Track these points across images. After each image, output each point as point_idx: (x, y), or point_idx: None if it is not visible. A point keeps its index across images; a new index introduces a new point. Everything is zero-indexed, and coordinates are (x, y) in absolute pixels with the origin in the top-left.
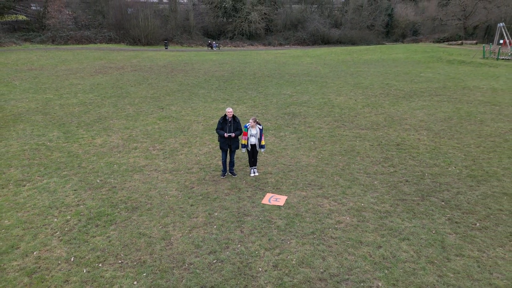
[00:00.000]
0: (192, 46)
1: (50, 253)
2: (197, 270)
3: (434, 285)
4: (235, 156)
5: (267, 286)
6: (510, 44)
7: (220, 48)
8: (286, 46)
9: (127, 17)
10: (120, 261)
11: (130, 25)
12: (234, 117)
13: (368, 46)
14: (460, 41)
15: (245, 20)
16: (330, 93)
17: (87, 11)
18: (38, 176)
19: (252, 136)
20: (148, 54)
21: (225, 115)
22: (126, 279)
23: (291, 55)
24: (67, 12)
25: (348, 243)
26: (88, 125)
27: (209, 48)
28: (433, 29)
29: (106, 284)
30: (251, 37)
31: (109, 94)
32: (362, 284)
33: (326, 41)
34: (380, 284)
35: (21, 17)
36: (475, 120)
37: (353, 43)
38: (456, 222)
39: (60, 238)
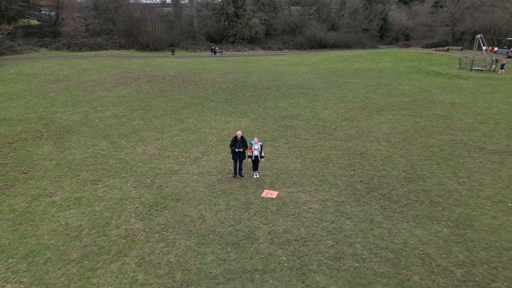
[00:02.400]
0: (196, 51)
1: (132, 226)
2: (223, 235)
3: (360, 242)
4: (243, 163)
5: (264, 243)
6: (486, 51)
7: (222, 53)
8: (284, 51)
9: (136, 24)
10: (176, 231)
11: (138, 31)
12: (242, 137)
13: (360, 52)
14: (447, 47)
15: (246, 25)
16: (318, 106)
17: (98, 18)
18: (105, 178)
19: (255, 150)
20: (158, 62)
21: (236, 136)
22: (182, 240)
23: (288, 62)
24: (80, 19)
25: (314, 220)
26: (126, 136)
27: (213, 53)
28: (423, 34)
29: (171, 242)
30: (252, 41)
31: (135, 107)
32: (319, 242)
33: (322, 45)
34: (329, 242)
35: (33, 21)
36: (425, 133)
37: (348, 46)
38: (384, 208)
39: (136, 217)
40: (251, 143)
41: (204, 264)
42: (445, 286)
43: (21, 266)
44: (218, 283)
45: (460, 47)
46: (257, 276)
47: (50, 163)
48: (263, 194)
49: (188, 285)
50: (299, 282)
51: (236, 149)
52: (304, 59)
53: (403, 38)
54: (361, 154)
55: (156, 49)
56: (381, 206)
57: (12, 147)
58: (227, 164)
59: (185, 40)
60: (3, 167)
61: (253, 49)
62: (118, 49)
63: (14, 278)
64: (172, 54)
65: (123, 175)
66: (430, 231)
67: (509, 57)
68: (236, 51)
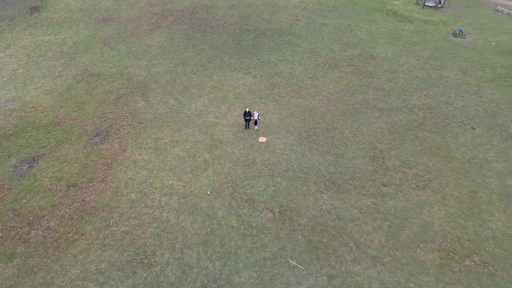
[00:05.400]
0: None
1: (205, 156)
2: (242, 161)
3: (296, 164)
4: (250, 122)
5: (258, 165)
6: None
7: None
8: None
9: None
10: (223, 159)
11: None
12: (249, 111)
13: None
14: None
15: None
16: (295, 61)
17: None
18: (183, 128)
19: (256, 116)
20: None
21: (245, 111)
22: (226, 163)
23: None
24: None
25: (279, 153)
26: (181, 93)
27: None
28: None
29: (223, 164)
30: None
31: (176, 61)
32: (280, 164)
33: None
34: (284, 164)
35: None
36: (351, 92)
37: None
38: (311, 148)
39: (205, 152)
40: (253, 113)
41: (236, 173)
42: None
43: (168, 173)
44: (244, 179)
45: None
46: (256, 177)
47: (150, 116)
48: (259, 140)
49: (233, 180)
50: (271, 181)
51: (245, 117)
52: None
53: None
54: (311, 111)
55: None
56: (310, 147)
57: (121, 102)
58: (241, 119)
59: None
60: (126, 119)
61: None
62: None
63: (166, 178)
64: None
65: (191, 125)
66: (325, 158)
67: None
68: None
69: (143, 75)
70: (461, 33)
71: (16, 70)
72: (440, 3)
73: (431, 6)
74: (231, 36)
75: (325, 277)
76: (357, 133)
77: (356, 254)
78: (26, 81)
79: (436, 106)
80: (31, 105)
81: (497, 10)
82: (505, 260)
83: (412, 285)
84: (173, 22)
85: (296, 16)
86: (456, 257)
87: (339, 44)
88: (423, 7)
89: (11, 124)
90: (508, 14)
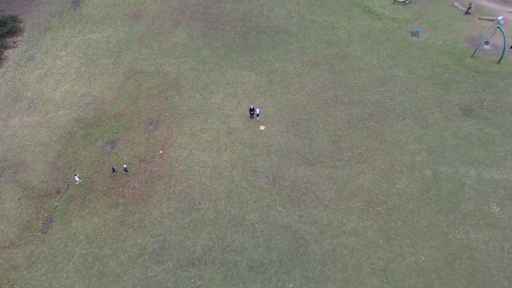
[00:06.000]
0: None
1: (225, 140)
2: (250, 144)
3: (283, 146)
4: (254, 114)
5: (260, 147)
6: None
7: None
8: None
9: None
10: (238, 143)
11: None
12: (253, 108)
13: None
14: None
15: None
16: (288, 60)
17: None
18: (208, 118)
19: (258, 111)
20: None
21: (250, 107)
22: (239, 146)
23: None
24: None
25: (272, 137)
26: (204, 90)
27: None
28: None
29: (238, 147)
30: None
31: (197, 59)
32: (272, 146)
33: None
34: (276, 145)
35: None
36: (326, 88)
37: None
38: (294, 134)
39: (225, 137)
40: (256, 109)
41: (245, 152)
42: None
43: (202, 152)
44: (250, 156)
45: None
46: (258, 155)
47: (184, 108)
48: (260, 128)
49: (243, 157)
50: (267, 158)
51: (250, 112)
52: None
53: None
54: (296, 105)
55: None
56: (294, 134)
57: (162, 96)
58: (247, 112)
59: None
60: (168, 110)
61: None
62: None
63: (201, 156)
64: None
65: (213, 116)
66: (303, 142)
67: None
68: None
69: (174, 72)
70: (417, 33)
71: (79, 68)
72: (408, 0)
73: (401, 2)
74: (238, 34)
75: (297, 216)
76: (326, 122)
77: (316, 203)
78: (90, 78)
79: (383, 101)
80: (99, 99)
81: (453, 6)
82: (400, 206)
83: (345, 220)
84: (191, 18)
85: (290, 12)
86: (372, 205)
87: (322, 43)
88: (394, 3)
89: (90, 115)
90: (462, 10)
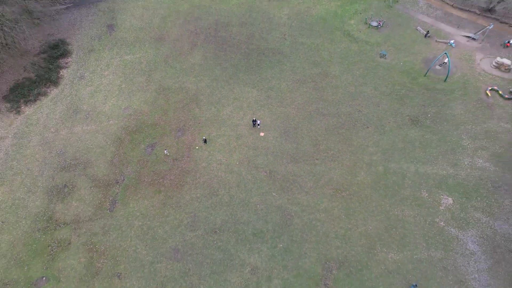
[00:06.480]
0: None
1: (235, 143)
2: (254, 146)
3: (273, 149)
4: (256, 124)
5: (260, 149)
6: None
7: None
8: None
9: None
10: (244, 145)
11: None
12: (256, 119)
13: None
14: None
15: None
16: (282, 78)
17: None
18: (221, 127)
19: (259, 122)
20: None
21: (253, 119)
22: (246, 149)
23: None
24: None
25: (270, 142)
26: (217, 103)
27: None
28: None
29: (247, 150)
30: None
31: (211, 77)
32: (269, 148)
33: None
34: (271, 147)
35: None
36: (310, 102)
37: None
38: (285, 138)
39: (234, 140)
40: (257, 121)
41: (249, 153)
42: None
43: (218, 153)
44: (253, 156)
45: None
46: (259, 155)
47: (203, 119)
48: (260, 134)
49: (248, 157)
50: (265, 157)
51: (253, 122)
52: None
53: None
54: (287, 116)
55: None
56: (285, 139)
57: (186, 109)
58: (250, 121)
59: None
60: (191, 120)
61: None
62: None
63: (217, 156)
64: None
65: (225, 125)
66: (292, 145)
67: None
68: None
69: (194, 89)
70: (384, 55)
71: (120, 85)
72: (380, 24)
73: (374, 26)
74: (242, 55)
75: (286, 199)
76: (309, 130)
77: (299, 190)
78: (130, 94)
79: (353, 113)
80: (138, 111)
81: (417, 30)
82: (358, 193)
83: (319, 202)
84: (204, 40)
85: (284, 35)
86: (339, 191)
87: (308, 63)
88: (369, 27)
89: (133, 124)
90: (422, 33)
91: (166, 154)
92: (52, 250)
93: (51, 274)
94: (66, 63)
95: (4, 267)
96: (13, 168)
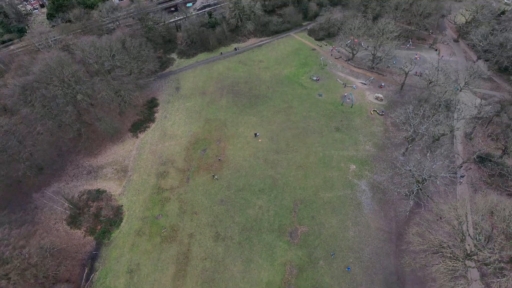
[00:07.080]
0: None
1: (248, 148)
2: (255, 146)
3: (265, 150)
4: (256, 135)
5: (260, 149)
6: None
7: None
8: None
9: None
10: (251, 147)
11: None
12: (256, 133)
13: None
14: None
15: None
16: (268, 110)
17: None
18: (240, 138)
19: (257, 134)
20: (220, 69)
21: (255, 133)
22: (249, 152)
23: (265, 66)
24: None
25: (265, 145)
26: (237, 125)
27: (235, 49)
28: None
29: (255, 157)
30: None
31: (231, 112)
32: (263, 150)
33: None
34: (265, 148)
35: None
36: (284, 122)
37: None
38: (273, 141)
39: (249, 147)
40: (257, 133)
41: (255, 151)
42: None
43: (239, 153)
44: (256, 153)
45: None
46: (259, 151)
47: (229, 134)
48: (259, 140)
49: (254, 153)
50: (263, 153)
51: (255, 134)
52: (281, 60)
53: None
54: (272, 130)
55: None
56: (271, 142)
57: (220, 129)
58: (253, 133)
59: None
60: (223, 135)
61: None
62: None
63: (240, 156)
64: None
65: (241, 137)
66: (276, 145)
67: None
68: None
69: (223, 119)
70: (320, 95)
71: (185, 119)
72: (318, 79)
73: (315, 80)
74: (247, 100)
75: (273, 172)
76: (283, 137)
77: (280, 168)
78: (190, 124)
79: (306, 126)
80: (196, 132)
81: (337, 81)
82: (310, 167)
83: (290, 172)
84: (227, 92)
85: (268, 87)
86: (300, 168)
87: (281, 102)
88: (312, 80)
89: (194, 139)
90: (341, 83)
91: (216, 178)
92: (162, 202)
93: (164, 213)
94: (157, 110)
95: (141, 211)
96: (138, 165)
